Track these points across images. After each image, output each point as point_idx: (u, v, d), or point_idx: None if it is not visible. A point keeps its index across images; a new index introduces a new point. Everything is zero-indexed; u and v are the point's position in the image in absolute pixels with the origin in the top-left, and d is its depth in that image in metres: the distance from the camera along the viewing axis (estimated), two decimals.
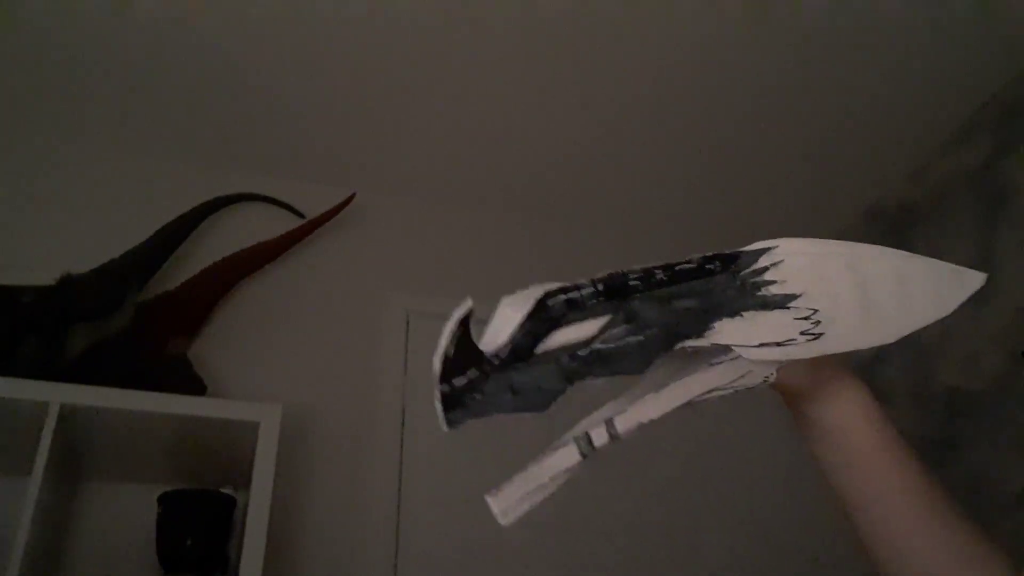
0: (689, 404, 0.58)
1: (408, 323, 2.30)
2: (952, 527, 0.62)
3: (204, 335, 2.13)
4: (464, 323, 0.52)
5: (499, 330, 0.54)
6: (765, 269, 0.57)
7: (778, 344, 0.56)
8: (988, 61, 2.07)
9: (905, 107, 2.20)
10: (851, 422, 0.64)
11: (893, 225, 2.44)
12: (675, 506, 2.25)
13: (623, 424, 0.57)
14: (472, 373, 0.53)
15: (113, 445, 1.78)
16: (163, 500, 1.77)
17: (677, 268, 0.56)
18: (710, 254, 0.57)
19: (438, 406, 0.52)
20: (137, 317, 1.93)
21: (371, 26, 1.94)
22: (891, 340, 0.59)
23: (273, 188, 2.38)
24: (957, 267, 0.62)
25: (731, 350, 0.57)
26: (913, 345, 2.28)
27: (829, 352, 0.58)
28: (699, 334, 0.56)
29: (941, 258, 0.61)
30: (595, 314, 0.55)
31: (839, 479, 0.65)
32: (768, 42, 2.00)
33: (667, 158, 2.37)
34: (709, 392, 0.58)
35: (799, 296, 0.57)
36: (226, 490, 1.85)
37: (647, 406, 0.57)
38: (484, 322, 0.53)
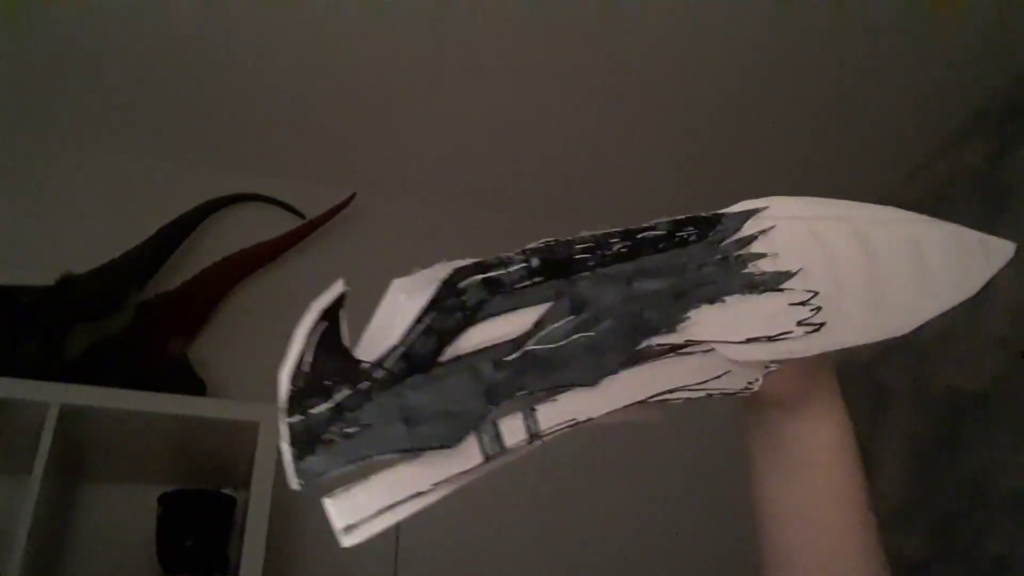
0: (643, 404, 0.42)
1: None
2: (877, 542, 0.54)
3: (204, 335, 2.13)
4: (332, 316, 0.36)
5: (386, 327, 0.38)
6: (753, 238, 0.43)
7: (769, 339, 0.42)
8: (988, 61, 2.07)
9: (905, 107, 2.20)
10: (831, 442, 0.52)
11: None
12: (677, 507, 2.25)
13: (548, 419, 0.39)
14: (341, 393, 0.35)
15: (113, 445, 1.77)
16: (163, 500, 1.77)
17: (640, 236, 0.41)
18: (682, 217, 0.42)
19: (285, 448, 0.34)
20: (137, 317, 1.93)
21: (371, 26, 1.94)
22: (907, 330, 0.47)
23: (273, 188, 2.38)
24: (981, 235, 0.51)
25: (708, 346, 0.42)
26: (913, 345, 2.27)
27: (832, 348, 0.44)
28: (669, 327, 0.41)
29: None
30: (528, 302, 0.40)
31: (781, 487, 0.55)
32: (765, 39, 2.00)
33: (666, 159, 2.37)
34: (671, 392, 0.42)
35: (795, 274, 0.43)
36: (226, 490, 1.85)
37: (581, 399, 0.39)
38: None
